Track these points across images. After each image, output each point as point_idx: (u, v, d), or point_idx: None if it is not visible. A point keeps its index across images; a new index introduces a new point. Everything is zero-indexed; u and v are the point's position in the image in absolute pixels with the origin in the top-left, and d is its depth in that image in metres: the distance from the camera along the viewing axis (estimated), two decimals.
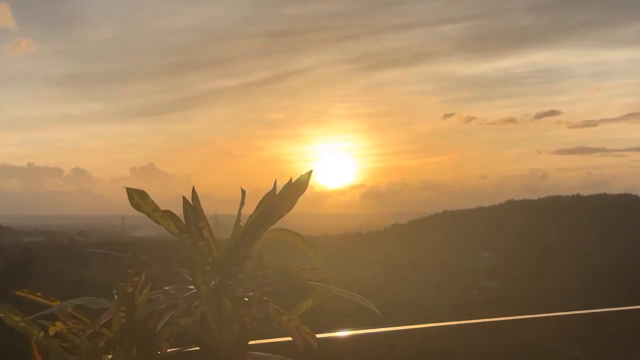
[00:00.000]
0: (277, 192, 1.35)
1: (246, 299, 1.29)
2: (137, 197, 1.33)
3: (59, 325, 1.23)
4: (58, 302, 1.27)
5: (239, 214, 1.37)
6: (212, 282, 1.28)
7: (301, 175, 1.36)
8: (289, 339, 1.35)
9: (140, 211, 1.33)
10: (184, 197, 1.33)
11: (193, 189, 1.34)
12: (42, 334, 1.24)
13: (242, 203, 1.37)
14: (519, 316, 2.38)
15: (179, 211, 1.44)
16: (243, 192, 1.40)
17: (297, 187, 1.35)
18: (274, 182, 1.36)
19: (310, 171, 1.36)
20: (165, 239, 1.38)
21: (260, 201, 1.35)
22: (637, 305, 2.58)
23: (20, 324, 1.25)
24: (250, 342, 1.33)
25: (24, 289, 1.31)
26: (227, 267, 1.32)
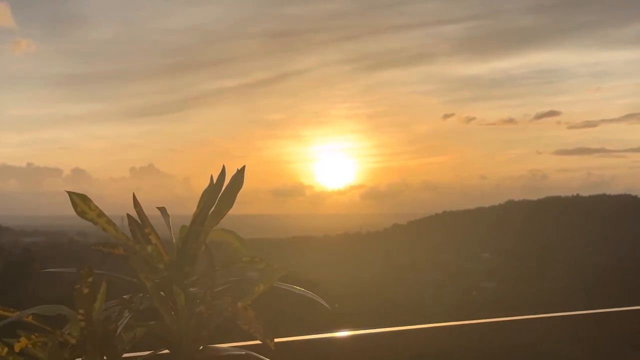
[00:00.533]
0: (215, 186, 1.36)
1: (199, 294, 1.29)
2: (81, 204, 1.30)
3: (24, 341, 1.21)
4: (17, 312, 1.26)
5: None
6: (161, 276, 1.28)
7: (236, 172, 1.36)
8: (251, 342, 1.36)
9: (86, 219, 1.30)
10: (127, 214, 1.33)
11: (134, 196, 1.33)
12: (5, 350, 1.23)
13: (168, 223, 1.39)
14: (519, 316, 2.38)
15: (175, 211, 1.44)
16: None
17: (233, 184, 1.35)
18: (209, 177, 1.37)
19: (244, 167, 1.36)
20: (166, 239, 1.37)
21: (200, 198, 1.36)
22: (638, 305, 2.58)
23: None
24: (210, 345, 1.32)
25: None
26: (179, 268, 1.31)
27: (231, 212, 1.41)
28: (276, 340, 1.26)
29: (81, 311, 1.22)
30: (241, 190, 1.36)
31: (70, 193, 1.30)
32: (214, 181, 1.36)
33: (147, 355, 1.34)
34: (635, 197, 59.78)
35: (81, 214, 1.30)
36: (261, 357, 1.32)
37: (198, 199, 1.36)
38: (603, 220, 53.01)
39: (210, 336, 1.30)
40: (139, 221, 1.32)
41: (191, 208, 1.39)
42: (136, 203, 1.33)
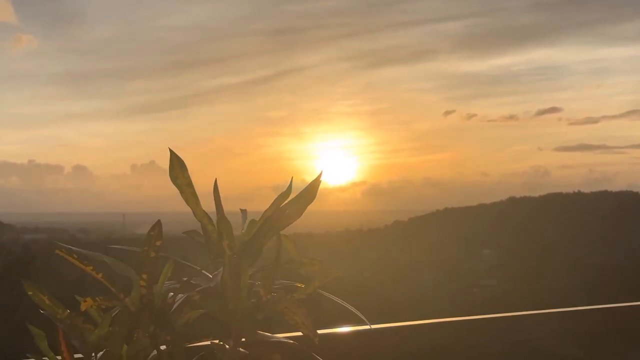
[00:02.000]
0: (290, 194, 1.39)
1: (258, 284, 1.32)
2: (177, 167, 1.31)
3: (89, 302, 1.22)
4: (91, 267, 1.25)
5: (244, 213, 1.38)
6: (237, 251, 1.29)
7: (310, 184, 1.38)
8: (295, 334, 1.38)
9: (176, 184, 1.31)
10: (215, 182, 1.34)
11: (215, 183, 1.34)
12: (66, 312, 1.24)
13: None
14: (519, 312, 2.38)
15: (176, 209, 1.44)
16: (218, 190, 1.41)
17: (308, 196, 1.38)
18: (290, 180, 1.40)
19: (320, 175, 1.38)
20: (167, 237, 1.37)
21: (275, 200, 1.38)
22: (638, 301, 2.58)
23: (47, 302, 1.25)
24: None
25: (62, 249, 1.29)
26: (243, 258, 1.33)
27: (233, 209, 1.42)
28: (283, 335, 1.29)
29: (144, 276, 1.22)
30: (243, 187, 1.37)
31: (172, 152, 1.30)
32: (292, 187, 1.39)
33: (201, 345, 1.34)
34: (637, 193, 59.79)
35: (173, 178, 1.31)
36: (307, 350, 1.34)
37: (200, 197, 1.36)
38: (604, 217, 53.00)
39: (263, 322, 1.32)
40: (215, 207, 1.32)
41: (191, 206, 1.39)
42: (215, 188, 1.33)
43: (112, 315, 1.24)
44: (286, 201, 1.38)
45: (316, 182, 1.38)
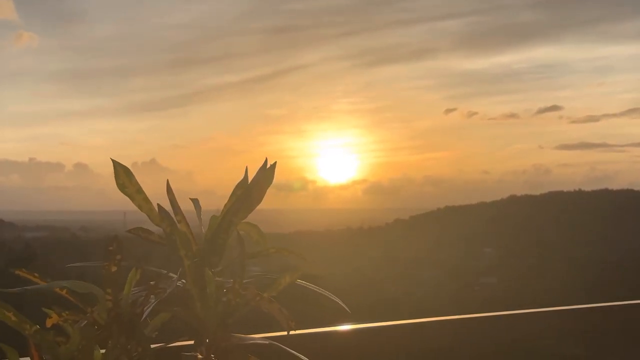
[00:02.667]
0: (249, 181, 1.37)
1: (227, 285, 1.30)
2: (122, 176, 1.30)
3: (55, 318, 1.21)
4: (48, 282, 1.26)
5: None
6: (195, 258, 1.28)
7: (268, 167, 1.38)
8: (273, 334, 1.37)
9: (125, 193, 1.30)
10: (167, 184, 1.33)
11: (167, 183, 1.34)
12: (34, 328, 1.23)
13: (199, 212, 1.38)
14: (519, 311, 2.39)
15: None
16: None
17: (265, 179, 1.37)
18: (244, 170, 1.39)
19: (275, 163, 1.38)
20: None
21: (233, 190, 1.37)
22: (638, 299, 2.58)
23: (13, 319, 1.23)
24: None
25: (23, 269, 1.30)
26: (206, 257, 1.32)
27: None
28: (297, 332, 1.29)
29: (108, 291, 1.21)
30: (244, 184, 1.37)
31: (115, 162, 1.30)
32: (249, 175, 1.38)
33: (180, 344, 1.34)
34: (638, 192, 59.71)
35: (121, 186, 1.30)
36: (284, 347, 1.33)
37: (200, 194, 1.36)
38: (605, 216, 52.95)
39: (235, 325, 1.31)
40: (172, 207, 1.32)
41: (192, 204, 1.39)
42: (169, 189, 1.33)
43: (85, 328, 1.23)
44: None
45: (273, 165, 1.38)
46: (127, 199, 1.32)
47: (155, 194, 1.39)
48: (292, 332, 1.30)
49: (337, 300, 1.43)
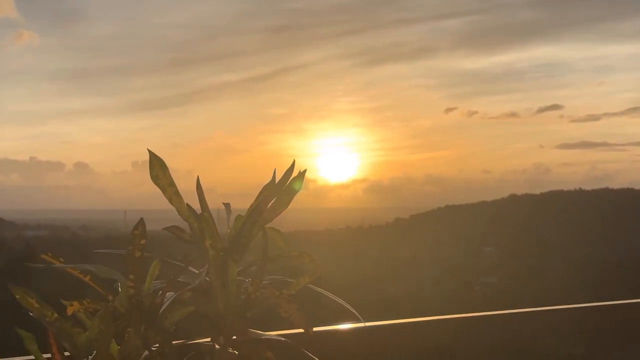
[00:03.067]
0: (276, 183, 1.37)
1: (248, 280, 1.31)
2: (157, 167, 1.30)
3: (76, 305, 1.21)
4: (77, 271, 1.25)
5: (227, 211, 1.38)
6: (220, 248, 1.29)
7: (298, 173, 1.37)
8: (289, 331, 1.37)
9: (157, 184, 1.30)
10: (197, 180, 1.33)
11: (197, 180, 1.34)
12: (55, 315, 1.23)
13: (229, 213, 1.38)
14: (518, 310, 2.39)
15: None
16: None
17: (293, 186, 1.37)
18: (273, 172, 1.38)
19: (305, 170, 1.38)
20: (169, 236, 1.37)
21: (260, 191, 1.37)
22: (637, 299, 2.58)
23: (35, 305, 1.23)
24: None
25: (49, 253, 1.29)
26: (230, 255, 1.32)
27: (235, 206, 1.42)
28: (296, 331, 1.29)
29: (131, 276, 1.21)
30: (244, 184, 1.37)
31: (151, 153, 1.30)
32: (276, 177, 1.37)
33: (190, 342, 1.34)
34: (639, 191, 59.68)
35: (154, 177, 1.30)
36: (300, 347, 1.33)
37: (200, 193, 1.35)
38: (606, 215, 52.94)
39: (253, 320, 1.31)
40: (200, 204, 1.32)
41: (193, 202, 1.39)
42: (198, 185, 1.33)
43: (105, 315, 1.21)
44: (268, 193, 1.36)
45: (303, 173, 1.37)
46: (128, 197, 1.33)
47: (158, 193, 1.39)
48: (295, 331, 1.30)
49: (349, 307, 1.42)
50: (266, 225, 1.37)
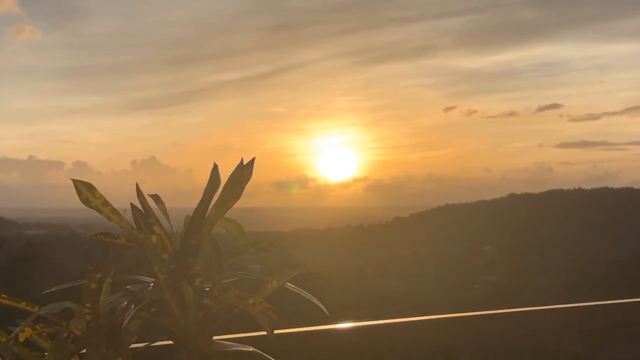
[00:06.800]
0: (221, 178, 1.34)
1: (207, 288, 1.27)
2: (85, 191, 1.28)
3: (28, 331, 1.20)
4: (23, 303, 1.25)
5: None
6: (170, 269, 1.26)
7: (245, 164, 1.34)
8: (256, 333, 1.35)
9: (90, 207, 1.28)
10: (131, 203, 1.31)
11: (137, 186, 1.32)
12: (11, 341, 1.21)
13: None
14: (520, 309, 2.38)
15: (177, 204, 1.42)
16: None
17: (240, 175, 1.33)
18: (212, 166, 1.35)
19: (253, 159, 1.34)
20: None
21: (204, 190, 1.33)
22: (637, 298, 2.58)
23: None
24: (217, 337, 1.31)
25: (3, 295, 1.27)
26: (183, 258, 1.29)
27: (235, 205, 1.39)
28: (279, 331, 1.25)
29: (88, 305, 1.21)
30: (215, 183, 1.33)
31: (74, 181, 1.28)
32: (219, 172, 1.34)
33: (151, 345, 1.33)
34: (638, 190, 59.69)
35: (85, 201, 1.29)
36: (267, 356, 1.31)
37: (200, 192, 1.34)
38: (605, 214, 52.93)
39: (217, 330, 1.28)
40: (143, 211, 1.30)
41: (193, 201, 1.38)
42: (139, 193, 1.32)
43: (60, 341, 1.21)
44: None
45: (250, 163, 1.34)
46: (127, 195, 1.32)
47: (157, 191, 1.38)
48: (287, 331, 1.28)
49: (320, 305, 1.37)
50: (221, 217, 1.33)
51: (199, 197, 1.37)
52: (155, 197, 1.38)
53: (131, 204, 1.32)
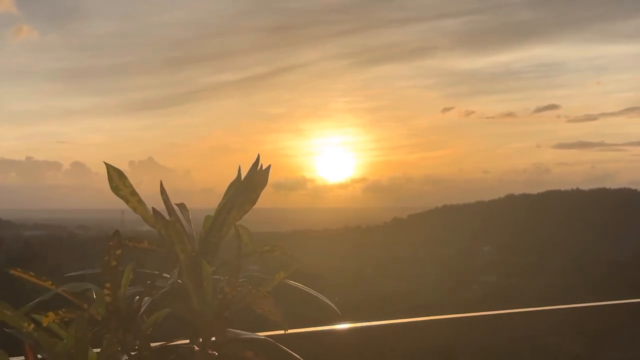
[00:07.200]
0: (242, 180, 1.36)
1: (224, 279, 1.30)
2: (116, 179, 1.29)
3: (51, 316, 1.21)
4: (50, 282, 1.25)
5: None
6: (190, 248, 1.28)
7: (263, 169, 1.36)
8: (256, 334, 1.36)
9: (118, 195, 1.29)
10: (161, 184, 1.32)
11: (161, 184, 1.33)
12: (32, 326, 1.22)
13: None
14: (519, 309, 2.38)
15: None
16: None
17: (259, 181, 1.36)
18: (237, 169, 1.37)
19: (269, 166, 1.36)
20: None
21: (227, 189, 1.35)
22: (637, 298, 2.58)
23: (11, 317, 1.22)
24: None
25: (18, 269, 1.28)
26: (201, 256, 1.31)
27: None
28: (291, 331, 1.28)
29: (107, 285, 1.21)
30: (237, 184, 1.35)
31: (108, 165, 1.29)
32: (242, 175, 1.36)
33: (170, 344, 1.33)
34: (635, 190, 59.74)
35: (115, 189, 1.29)
36: (279, 345, 1.32)
37: (198, 193, 1.35)
38: (603, 214, 52.98)
39: (231, 319, 1.30)
40: (165, 208, 1.32)
41: (192, 201, 1.39)
42: (163, 190, 1.32)
43: (81, 322, 1.21)
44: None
45: (267, 168, 1.36)
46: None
47: (153, 193, 1.39)
48: (288, 331, 1.29)
49: (326, 299, 1.41)
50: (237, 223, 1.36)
51: (198, 197, 1.38)
52: (182, 206, 1.39)
53: (153, 208, 1.32)
